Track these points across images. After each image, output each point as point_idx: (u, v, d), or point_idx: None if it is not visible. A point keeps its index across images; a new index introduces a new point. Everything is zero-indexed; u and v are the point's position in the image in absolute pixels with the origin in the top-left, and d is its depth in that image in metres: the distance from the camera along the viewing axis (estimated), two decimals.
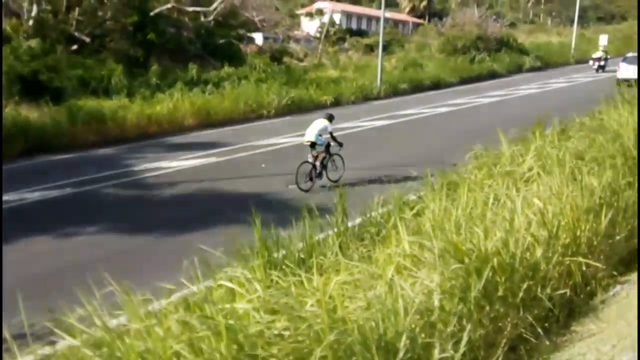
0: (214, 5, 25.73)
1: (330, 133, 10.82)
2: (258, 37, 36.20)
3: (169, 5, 23.95)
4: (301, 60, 36.51)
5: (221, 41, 26.48)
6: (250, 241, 4.84)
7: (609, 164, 5.73)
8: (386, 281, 3.59)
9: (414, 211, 6.10)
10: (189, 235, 7.93)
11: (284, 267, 4.32)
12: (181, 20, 25.14)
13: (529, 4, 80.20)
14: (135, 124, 16.67)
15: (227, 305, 3.23)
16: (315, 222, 5.39)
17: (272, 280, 4.12)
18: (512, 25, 56.60)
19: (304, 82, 24.34)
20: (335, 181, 10.82)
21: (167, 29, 24.39)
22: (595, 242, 4.75)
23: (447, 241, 4.01)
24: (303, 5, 66.40)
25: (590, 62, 33.98)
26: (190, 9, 25.27)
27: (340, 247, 5.05)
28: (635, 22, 68.96)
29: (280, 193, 10.42)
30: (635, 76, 22.27)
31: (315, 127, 10.69)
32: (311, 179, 10.61)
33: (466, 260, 3.81)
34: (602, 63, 32.69)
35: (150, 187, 11.29)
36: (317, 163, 10.68)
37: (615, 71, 25.95)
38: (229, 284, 3.78)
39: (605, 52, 34.11)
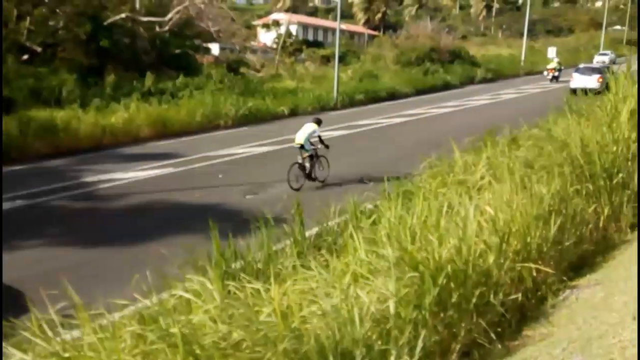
0: (169, 15, 25.44)
1: (319, 136, 11.56)
2: (215, 48, 35.96)
3: (122, 15, 23.52)
4: (258, 71, 36.47)
5: (177, 51, 26.20)
6: (207, 252, 4.79)
7: (557, 173, 5.93)
8: (343, 290, 3.61)
9: (371, 220, 6.18)
10: (144, 247, 7.78)
11: (241, 277, 4.28)
12: (136, 30, 24.72)
13: (480, 17, 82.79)
14: (89, 134, 16.25)
15: (183, 317, 3.18)
16: (272, 232, 5.38)
17: (229, 291, 4.09)
18: (464, 37, 58.30)
19: (261, 92, 24.33)
20: (322, 181, 11.60)
21: (122, 39, 23.95)
22: (545, 248, 4.89)
23: (402, 249, 4.06)
24: (260, 16, 66.56)
25: (545, 73, 35.43)
26: (145, 19, 24.88)
27: (298, 256, 5.05)
28: (582, 34, 72.37)
29: (238, 203, 10.35)
30: (586, 85, 23.58)
31: (305, 130, 11.40)
32: (303, 178, 11.28)
33: (421, 268, 3.87)
34: (556, 74, 34.23)
35: (103, 198, 11.01)
36: (307, 164, 11.34)
37: (568, 81, 27.29)
38: (185, 295, 3.72)
39: (559, 63, 35.86)
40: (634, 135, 6.93)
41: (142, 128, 17.68)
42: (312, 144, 11.47)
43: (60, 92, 18.87)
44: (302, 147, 11.33)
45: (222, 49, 38.52)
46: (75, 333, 3.38)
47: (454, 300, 3.98)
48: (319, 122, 11.89)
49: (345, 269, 4.36)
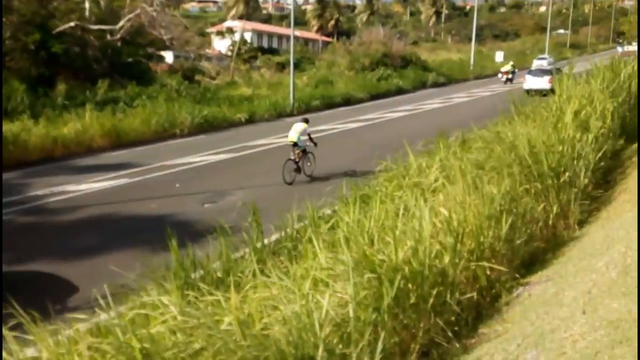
0: (121, 23, 24.95)
1: (308, 134, 12.61)
2: (169, 56, 35.51)
3: (72, 24, 22.92)
4: (214, 79, 36.19)
5: (129, 60, 25.72)
6: (165, 263, 4.73)
7: (507, 173, 6.13)
8: (303, 295, 3.64)
9: (329, 225, 6.23)
10: (99, 261, 7.59)
11: (201, 287, 4.25)
12: (86, 39, 24.13)
13: (430, 23, 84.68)
14: (40, 146, 15.68)
15: (141, 329, 3.14)
16: (231, 241, 5.36)
17: (189, 302, 4.05)
18: (415, 43, 59.47)
19: (217, 100, 24.14)
20: (309, 175, 12.73)
21: (72, 48, 23.33)
22: (497, 247, 5.05)
23: (360, 253, 4.12)
24: (213, 24, 66.11)
25: (499, 75, 36.65)
26: (96, 27, 24.32)
27: (257, 263, 5.04)
28: (528, 38, 75.00)
29: (196, 212, 10.23)
30: (538, 86, 24.78)
31: (296, 129, 12.55)
32: (295, 173, 12.37)
33: (379, 270, 3.94)
34: (510, 76, 35.58)
35: (55, 212, 10.67)
36: (298, 160, 12.48)
37: (522, 83, 28.66)
38: (143, 307, 3.67)
39: (513, 65, 37.24)
40: (579, 135, 7.26)
41: (96, 138, 17.23)
42: (303, 140, 12.54)
43: (10, 102, 18.19)
44: (295, 144, 12.43)
45: (176, 56, 38.07)
46: (30, 351, 3.28)
47: (412, 301, 4.06)
48: (306, 121, 13.00)
49: (305, 275, 4.39)
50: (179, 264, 4.71)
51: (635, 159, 8.09)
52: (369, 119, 22.78)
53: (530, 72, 28.73)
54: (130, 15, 25.05)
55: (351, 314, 3.54)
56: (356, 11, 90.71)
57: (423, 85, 36.42)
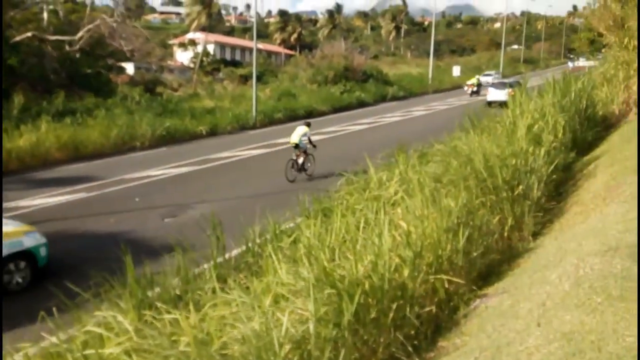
0: (80, 34, 24.46)
1: (309, 137, 13.92)
2: (130, 67, 34.97)
3: (29, 34, 22.34)
4: (175, 90, 35.84)
5: (89, 71, 25.22)
6: (122, 281, 4.62)
7: (464, 186, 6.26)
8: (263, 312, 3.61)
9: (291, 239, 6.22)
10: (52, 280, 7.33)
11: (158, 306, 4.16)
12: (44, 50, 23.53)
13: (390, 38, 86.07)
14: None
15: (94, 352, 3.05)
16: (191, 256, 5.28)
17: (145, 321, 3.96)
18: (376, 57, 60.36)
19: (179, 112, 23.88)
20: (310, 174, 13.96)
21: (29, 59, 22.70)
22: (455, 260, 5.13)
23: (321, 268, 4.12)
24: (176, 36, 65.52)
25: (465, 88, 37.79)
26: (53, 37, 23.76)
27: (217, 280, 4.98)
28: (484, 54, 77.18)
29: (156, 227, 10.04)
30: (499, 98, 25.90)
31: (298, 132, 13.92)
32: (296, 172, 13.66)
33: (339, 285, 3.94)
34: (476, 89, 36.77)
35: None
36: (300, 160, 13.78)
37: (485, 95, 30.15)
38: (97, 328, 3.57)
39: (478, 79, 38.98)
40: (532, 148, 7.49)
41: (52, 151, 16.79)
42: (304, 142, 13.85)
43: None
44: (296, 146, 13.79)
45: (137, 68, 37.54)
46: None
47: (372, 316, 4.08)
48: (308, 125, 14.42)
49: (266, 291, 4.36)
50: (135, 282, 4.59)
51: (586, 171, 8.39)
52: (332, 131, 22.92)
53: (493, 85, 30.69)
54: (90, 26, 24.63)
55: (312, 330, 3.53)
56: (318, 25, 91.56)
57: (384, 99, 36.94)
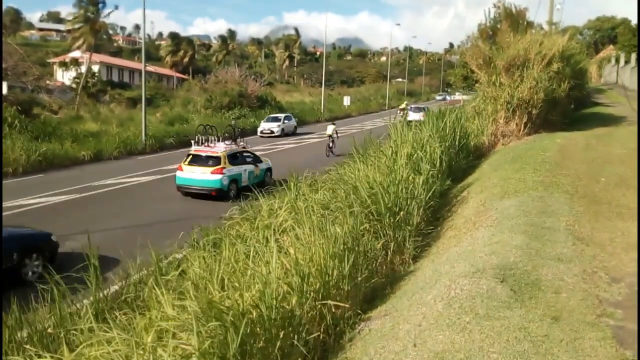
0: None
1: (336, 131, 23.61)
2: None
3: None
4: (56, 113, 33.56)
5: None
6: None
7: (349, 213, 6.51)
8: (144, 349, 3.48)
9: (179, 271, 6.06)
10: None
11: (27, 348, 3.86)
12: None
13: (284, 66, 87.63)
14: None
15: None
16: (67, 293, 4.97)
17: None
18: (270, 84, 61.00)
19: (58, 136, 22.41)
20: (337, 155, 20.45)
21: None
22: (342, 285, 5.31)
23: (205, 300, 4.07)
24: (56, 54, 61.76)
25: (398, 111, 40.11)
26: None
27: (95, 317, 4.73)
28: (371, 85, 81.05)
29: None
30: (416, 118, 28.25)
31: (330, 128, 23.67)
32: (330, 152, 22.59)
33: (225, 317, 3.91)
34: (406, 111, 39.43)
35: None
36: (331, 145, 22.96)
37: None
38: None
39: (407, 104, 44.05)
40: (412, 176, 7.98)
41: None
42: (335, 135, 23.34)
43: None
44: (330, 136, 23.31)
45: (10, 87, 34.75)
46: None
47: (259, 345, 4.09)
48: (334, 123, 25.56)
49: (149, 326, 4.21)
50: (1, 322, 4.24)
51: (460, 197, 9.07)
52: None
53: (411, 109, 39.82)
54: None
55: None
56: (212, 50, 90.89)
57: None
